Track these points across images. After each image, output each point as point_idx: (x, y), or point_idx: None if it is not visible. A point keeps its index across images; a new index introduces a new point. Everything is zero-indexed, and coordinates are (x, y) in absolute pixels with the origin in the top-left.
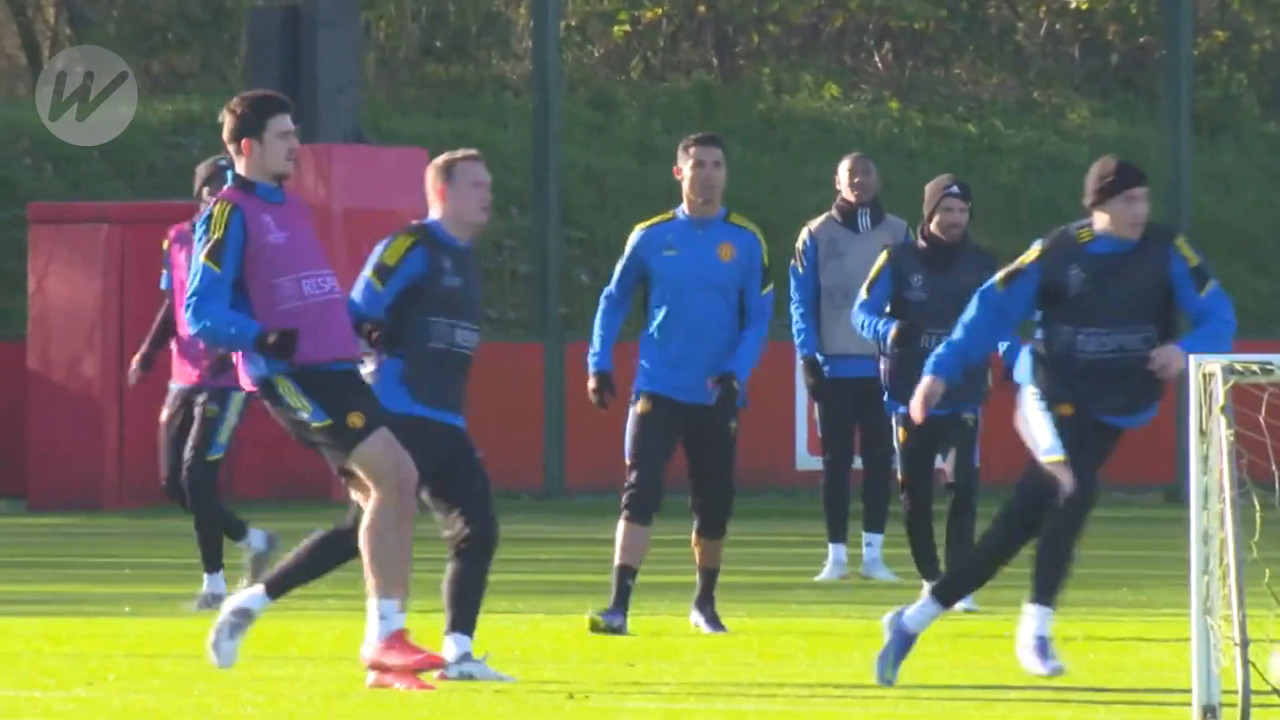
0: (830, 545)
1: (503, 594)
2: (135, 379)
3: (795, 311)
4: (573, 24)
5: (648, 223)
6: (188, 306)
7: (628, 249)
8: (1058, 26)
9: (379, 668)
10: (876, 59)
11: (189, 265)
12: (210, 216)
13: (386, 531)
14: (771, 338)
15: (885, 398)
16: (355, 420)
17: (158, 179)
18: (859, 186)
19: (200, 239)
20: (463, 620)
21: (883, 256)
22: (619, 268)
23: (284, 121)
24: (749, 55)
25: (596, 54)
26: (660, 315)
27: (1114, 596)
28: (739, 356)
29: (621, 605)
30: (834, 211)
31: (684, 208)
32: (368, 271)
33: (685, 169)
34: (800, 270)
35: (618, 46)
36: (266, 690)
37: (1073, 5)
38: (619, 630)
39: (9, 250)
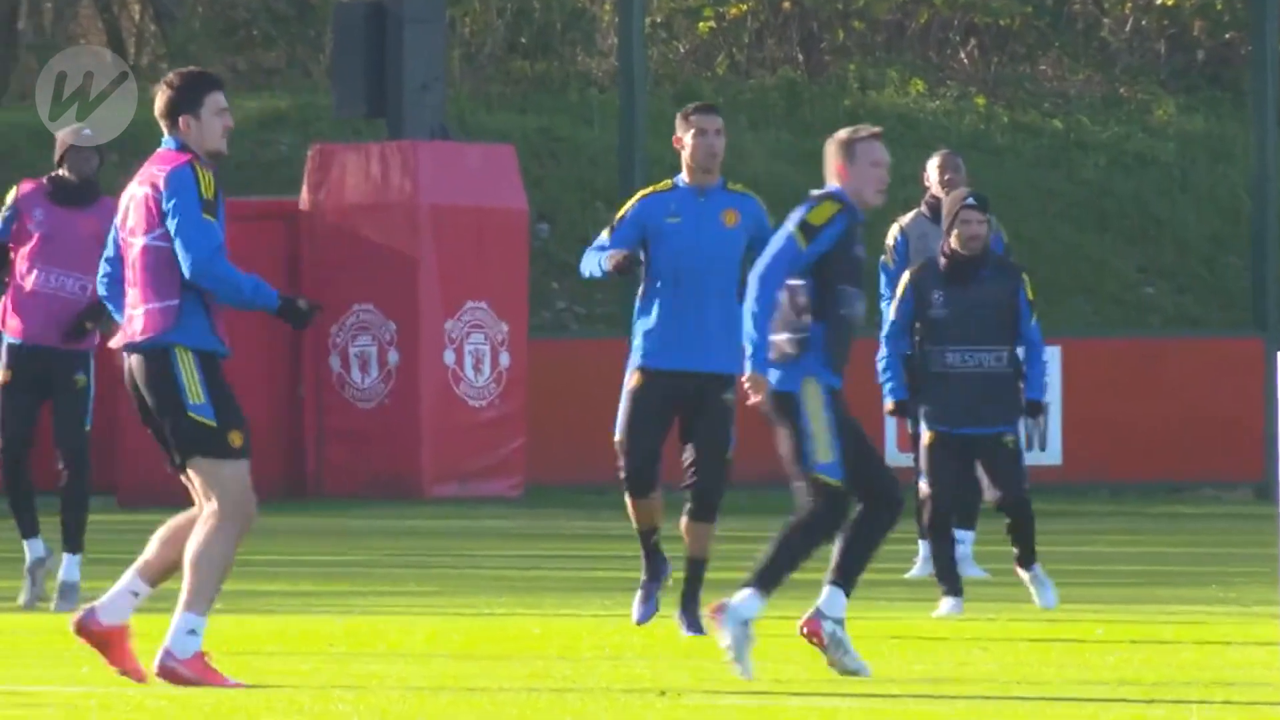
0: (920, 542)
1: (592, 590)
2: None
3: (886, 307)
4: (658, 20)
5: (648, 190)
6: (205, 260)
7: (628, 212)
8: (1143, 23)
9: (173, 678)
10: (962, 55)
11: (40, 223)
12: (196, 178)
13: (220, 551)
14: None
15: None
16: (236, 439)
17: (245, 175)
18: (949, 184)
19: (190, 201)
20: (847, 577)
21: (906, 275)
22: (614, 225)
23: (220, 98)
24: (834, 51)
25: (682, 50)
26: (662, 283)
27: (1203, 594)
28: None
29: (655, 561)
30: (923, 208)
31: (683, 177)
32: (791, 228)
33: (686, 138)
34: (891, 266)
35: (703, 42)
36: (357, 686)
37: (1158, 1)
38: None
39: None
